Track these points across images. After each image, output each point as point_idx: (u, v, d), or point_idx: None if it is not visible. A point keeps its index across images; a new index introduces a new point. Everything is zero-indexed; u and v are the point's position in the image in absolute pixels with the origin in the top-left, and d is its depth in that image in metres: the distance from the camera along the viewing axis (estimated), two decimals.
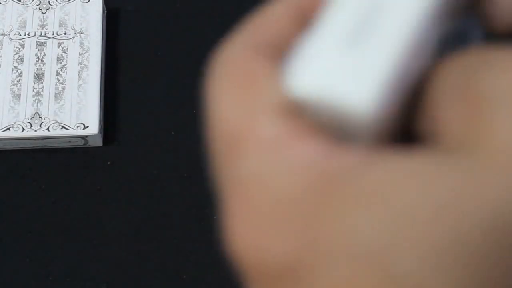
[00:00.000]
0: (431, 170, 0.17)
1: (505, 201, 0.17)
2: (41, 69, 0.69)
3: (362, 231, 0.17)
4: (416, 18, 0.17)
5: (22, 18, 0.73)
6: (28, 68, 0.69)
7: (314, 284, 0.17)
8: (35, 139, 0.67)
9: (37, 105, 0.68)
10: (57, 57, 0.70)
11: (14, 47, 0.71)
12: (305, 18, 0.21)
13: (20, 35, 0.71)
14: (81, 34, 0.71)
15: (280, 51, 0.20)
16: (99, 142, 0.68)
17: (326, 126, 0.18)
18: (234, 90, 0.20)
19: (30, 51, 0.70)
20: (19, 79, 0.69)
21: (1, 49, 0.71)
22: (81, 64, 0.70)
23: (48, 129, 0.66)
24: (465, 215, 0.17)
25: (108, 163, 0.68)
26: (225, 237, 0.19)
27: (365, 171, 0.17)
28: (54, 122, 0.67)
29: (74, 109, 0.67)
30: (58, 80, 0.69)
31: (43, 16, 0.73)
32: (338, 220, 0.17)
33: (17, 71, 0.69)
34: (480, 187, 0.17)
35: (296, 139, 0.18)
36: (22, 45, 0.71)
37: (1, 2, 0.73)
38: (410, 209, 0.17)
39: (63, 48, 0.71)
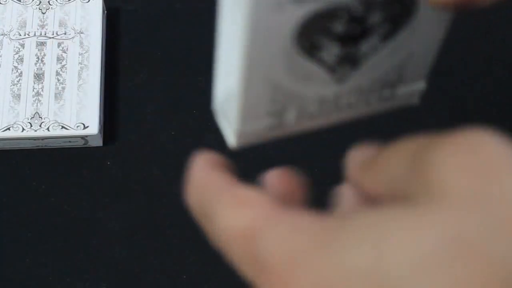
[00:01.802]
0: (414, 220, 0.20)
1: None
2: (41, 69, 0.69)
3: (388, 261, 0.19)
4: None
5: (22, 18, 0.72)
6: (28, 68, 0.69)
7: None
8: (35, 139, 0.67)
9: (37, 105, 0.68)
10: (57, 57, 0.70)
11: (14, 47, 0.71)
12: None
13: (20, 35, 0.71)
14: (81, 34, 0.71)
15: None
16: (99, 142, 0.68)
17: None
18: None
19: (30, 51, 0.70)
20: (19, 79, 0.69)
21: (1, 49, 0.70)
22: (81, 64, 0.70)
23: (48, 129, 0.66)
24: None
25: (108, 163, 0.68)
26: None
27: (347, 221, 0.21)
28: (54, 122, 0.67)
29: (74, 109, 0.67)
30: (58, 80, 0.69)
31: (43, 16, 0.73)
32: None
33: (17, 71, 0.69)
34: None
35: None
36: (22, 45, 0.71)
37: (1, 2, 0.73)
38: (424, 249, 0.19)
39: (63, 48, 0.71)
